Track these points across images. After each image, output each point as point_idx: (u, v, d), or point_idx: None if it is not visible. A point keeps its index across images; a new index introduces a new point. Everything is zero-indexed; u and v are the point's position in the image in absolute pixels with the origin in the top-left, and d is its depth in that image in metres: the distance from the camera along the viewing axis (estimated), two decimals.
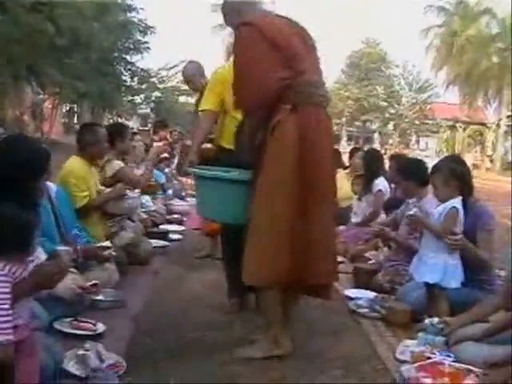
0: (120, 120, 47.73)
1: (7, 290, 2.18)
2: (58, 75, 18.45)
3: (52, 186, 4.14)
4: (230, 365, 3.17)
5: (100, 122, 42.73)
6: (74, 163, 4.71)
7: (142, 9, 27.98)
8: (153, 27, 28.60)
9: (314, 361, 3.31)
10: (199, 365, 3.16)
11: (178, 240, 6.64)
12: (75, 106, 36.38)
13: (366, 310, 4.19)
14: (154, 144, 7.95)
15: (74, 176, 4.60)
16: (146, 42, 28.80)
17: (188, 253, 5.96)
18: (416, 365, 3.01)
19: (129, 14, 27.78)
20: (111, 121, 46.80)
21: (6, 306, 2.16)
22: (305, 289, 3.41)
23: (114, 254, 4.35)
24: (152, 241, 5.83)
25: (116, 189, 4.89)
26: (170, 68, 35.15)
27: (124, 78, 31.08)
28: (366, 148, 10.13)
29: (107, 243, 4.32)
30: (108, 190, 4.92)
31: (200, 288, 4.70)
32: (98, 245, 4.27)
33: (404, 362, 3.22)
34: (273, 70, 3.21)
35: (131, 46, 28.36)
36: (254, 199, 3.24)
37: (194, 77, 5.67)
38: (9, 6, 14.91)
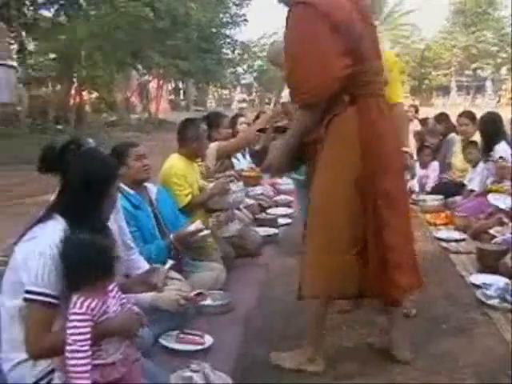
0: (224, 92, 48.60)
1: (86, 329, 2.06)
2: (159, 57, 18.83)
3: (152, 187, 4.08)
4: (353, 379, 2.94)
5: (205, 96, 43.87)
6: (175, 162, 4.62)
7: None
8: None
9: (439, 364, 3.01)
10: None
11: (287, 225, 6.28)
12: (180, 82, 37.15)
13: (496, 301, 3.75)
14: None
15: (176, 175, 4.51)
16: (243, 15, 28.83)
17: (299, 239, 5.65)
18: None
19: None
20: (215, 94, 47.86)
21: (85, 348, 2.04)
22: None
23: (206, 232, 4.14)
24: (260, 229, 5.64)
25: (218, 184, 4.74)
26: (270, 36, 35.01)
27: (225, 51, 31.26)
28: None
29: (198, 224, 4.08)
30: (211, 185, 4.79)
31: None
32: (190, 229, 4.06)
33: None
34: (335, 55, 2.75)
35: (229, 20, 28.42)
36: (310, 204, 2.99)
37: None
38: None
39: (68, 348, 2.03)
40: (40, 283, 2.15)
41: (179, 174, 4.52)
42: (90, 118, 24.93)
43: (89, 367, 2.03)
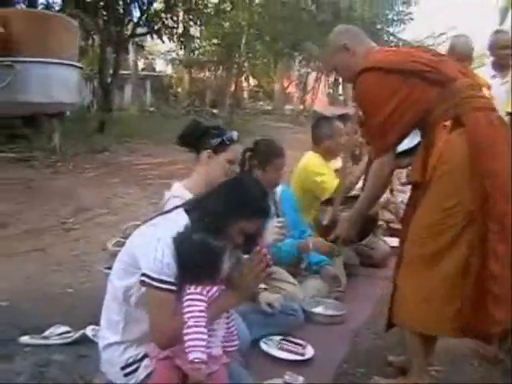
0: None
1: (201, 308, 2.07)
2: (318, 50, 18.77)
3: (278, 189, 4.00)
4: None
5: None
6: (312, 159, 4.63)
7: None
8: None
9: None
10: None
11: None
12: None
13: None
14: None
15: (313, 171, 4.52)
16: (409, 13, 27.91)
17: None
18: None
19: None
20: None
21: (202, 325, 2.04)
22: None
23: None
24: (389, 239, 5.37)
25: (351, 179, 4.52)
26: (437, 36, 33.61)
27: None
28: None
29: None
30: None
31: None
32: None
33: None
34: (416, 96, 2.66)
35: (394, 18, 27.64)
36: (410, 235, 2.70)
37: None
38: None
39: (185, 325, 2.04)
40: (158, 269, 2.14)
41: (318, 170, 4.52)
42: (246, 104, 25.56)
43: (204, 342, 2.04)
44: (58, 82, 9.27)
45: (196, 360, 2.00)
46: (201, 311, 2.07)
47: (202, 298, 2.10)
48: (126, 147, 11.46)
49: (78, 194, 7.15)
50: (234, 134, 2.98)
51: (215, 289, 2.15)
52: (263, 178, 3.61)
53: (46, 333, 3.15)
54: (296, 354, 3.06)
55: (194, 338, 2.02)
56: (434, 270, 2.57)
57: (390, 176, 2.97)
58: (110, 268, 2.51)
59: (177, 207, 2.42)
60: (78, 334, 3.14)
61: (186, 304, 2.08)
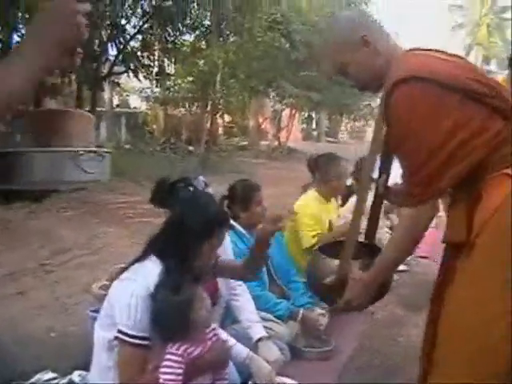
0: (358, 124, 48.13)
1: (179, 371, 2.06)
2: (291, 88, 19.10)
3: None
4: None
5: (337, 128, 43.83)
6: (310, 202, 4.53)
7: (377, 15, 27.91)
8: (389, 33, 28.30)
9: None
10: None
11: (403, 271, 5.82)
12: (313, 112, 37.43)
13: None
14: None
15: (308, 216, 4.41)
16: None
17: (413, 289, 5.35)
18: None
19: None
20: (348, 126, 47.56)
21: None
22: None
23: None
24: None
25: (346, 224, 4.56)
26: None
27: None
28: None
29: None
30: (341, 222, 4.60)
31: (421, 337, 4.14)
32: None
33: None
34: (477, 125, 1.90)
35: None
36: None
37: None
38: (248, 27, 15.79)
39: None
40: (131, 325, 2.17)
41: (311, 212, 4.43)
42: (221, 141, 25.71)
43: None
44: None
45: None
46: (178, 374, 2.07)
47: (181, 360, 2.09)
48: (103, 185, 11.44)
49: (57, 235, 7.12)
50: (200, 182, 2.93)
51: (199, 349, 2.15)
52: (249, 219, 3.68)
53: (33, 379, 3.11)
54: None
55: None
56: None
57: (426, 231, 2.25)
58: (95, 311, 2.52)
59: (147, 249, 2.44)
60: (64, 380, 3.10)
61: (164, 364, 2.08)
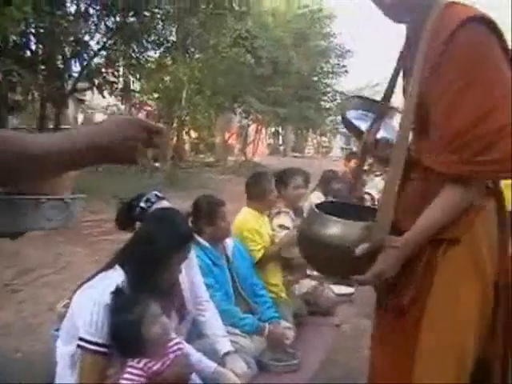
0: (324, 139, 48.58)
1: None
2: (257, 103, 19.22)
3: (229, 241, 4.04)
4: None
5: (303, 143, 44.27)
6: (246, 216, 4.54)
7: (339, 34, 28.42)
8: (350, 51, 28.85)
9: None
10: None
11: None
12: (280, 128, 37.76)
13: None
14: None
15: (247, 229, 4.42)
16: (344, 66, 29.03)
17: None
18: None
19: (326, 40, 28.24)
20: (315, 141, 48.05)
21: None
22: None
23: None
24: (335, 287, 5.48)
25: (289, 233, 4.63)
26: (372, 86, 34.94)
27: (325, 100, 31.45)
28: None
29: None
30: (283, 233, 4.67)
31: None
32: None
33: None
34: None
35: (330, 70, 28.69)
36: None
37: None
38: (213, 43, 15.88)
39: None
40: (93, 332, 2.17)
41: (251, 227, 4.43)
42: (188, 157, 25.66)
43: None
44: None
45: None
46: None
47: (142, 373, 2.09)
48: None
49: (21, 254, 7.01)
50: (153, 196, 2.95)
51: (159, 364, 2.14)
52: (214, 233, 3.70)
53: None
54: None
55: None
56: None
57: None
58: (58, 330, 2.51)
59: (113, 261, 2.45)
60: None
61: (125, 376, 2.08)
